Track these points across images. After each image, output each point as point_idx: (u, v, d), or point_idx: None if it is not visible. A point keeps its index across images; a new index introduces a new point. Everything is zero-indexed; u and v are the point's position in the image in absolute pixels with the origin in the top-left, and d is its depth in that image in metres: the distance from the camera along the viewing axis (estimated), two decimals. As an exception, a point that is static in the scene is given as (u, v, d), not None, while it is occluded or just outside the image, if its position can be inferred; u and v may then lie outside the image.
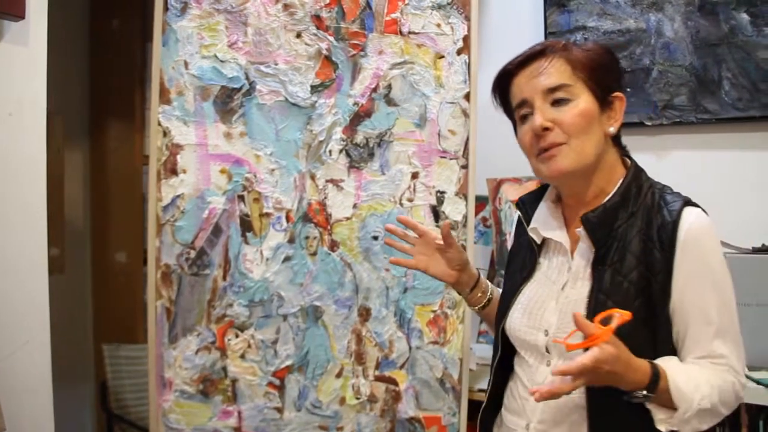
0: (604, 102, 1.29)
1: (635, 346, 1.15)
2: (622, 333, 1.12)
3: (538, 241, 1.37)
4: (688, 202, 1.26)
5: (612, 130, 1.29)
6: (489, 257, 2.63)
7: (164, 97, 1.99)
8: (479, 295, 1.53)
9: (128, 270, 3.37)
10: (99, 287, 3.46)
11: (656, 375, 1.15)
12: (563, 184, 1.35)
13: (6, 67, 1.84)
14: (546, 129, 1.26)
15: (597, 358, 1.06)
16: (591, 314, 1.18)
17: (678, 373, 1.17)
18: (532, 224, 1.38)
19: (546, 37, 2.58)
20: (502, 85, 1.37)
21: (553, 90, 1.27)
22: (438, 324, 2.13)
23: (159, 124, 1.99)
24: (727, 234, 2.15)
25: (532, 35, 2.64)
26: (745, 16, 2.26)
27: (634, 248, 1.23)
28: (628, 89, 2.39)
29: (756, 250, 2.10)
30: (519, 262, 1.43)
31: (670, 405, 1.16)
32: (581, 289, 1.27)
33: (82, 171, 3.44)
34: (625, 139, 1.36)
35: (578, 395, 1.21)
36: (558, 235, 1.34)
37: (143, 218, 2.66)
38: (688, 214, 1.23)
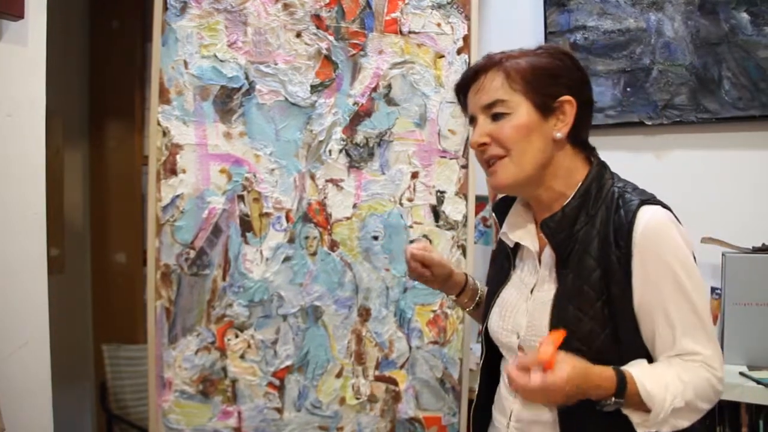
0: (546, 109, 1.27)
1: (599, 348, 1.19)
2: (583, 335, 1.18)
3: (511, 245, 1.39)
4: (645, 201, 1.23)
5: (558, 135, 1.27)
6: (489, 257, 2.62)
7: (164, 97, 1.99)
8: (466, 300, 1.59)
9: (128, 270, 3.37)
10: (99, 287, 3.45)
11: (622, 381, 1.15)
12: (516, 193, 1.39)
13: (5, 67, 1.84)
14: (483, 144, 1.29)
15: (545, 384, 1.08)
16: (554, 318, 1.23)
17: (645, 376, 1.16)
18: (503, 229, 1.40)
19: (546, 36, 2.57)
20: (461, 101, 1.39)
21: (489, 106, 1.29)
22: (438, 324, 2.13)
23: (158, 124, 1.99)
24: (727, 233, 2.15)
25: (532, 35, 2.63)
26: (745, 16, 2.26)
27: (593, 251, 1.23)
28: (628, 88, 2.39)
29: (756, 250, 2.10)
30: (498, 265, 1.46)
31: (644, 408, 1.15)
32: (548, 292, 1.28)
33: (81, 171, 3.44)
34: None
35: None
36: (527, 238, 1.36)
37: (143, 218, 2.67)
38: (643, 214, 1.21)
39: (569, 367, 1.10)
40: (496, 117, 1.28)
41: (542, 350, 1.10)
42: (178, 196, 2.00)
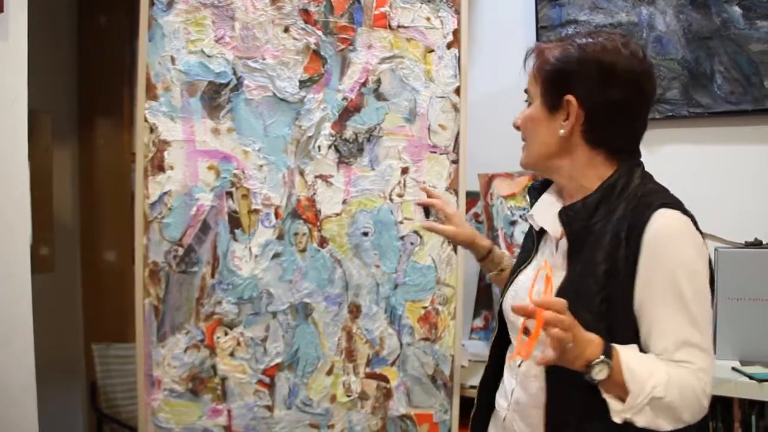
0: (554, 105, 1.30)
1: None
2: (581, 324, 1.16)
3: (536, 228, 1.41)
4: (665, 204, 1.21)
5: (561, 132, 1.29)
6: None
7: (151, 93, 1.97)
8: (488, 266, 1.72)
9: (118, 268, 3.35)
10: (89, 286, 3.43)
11: (608, 347, 1.14)
12: (539, 174, 1.46)
13: (-16, 63, 1.83)
14: (516, 127, 1.39)
15: (566, 304, 1.09)
16: None
17: (632, 355, 1.16)
18: (531, 211, 1.42)
19: (537, 31, 2.56)
20: None
21: (525, 92, 1.38)
22: (429, 320, 2.12)
23: (146, 121, 1.97)
24: (719, 228, 2.14)
25: (523, 29, 2.63)
26: (737, 9, 2.25)
27: (604, 245, 1.22)
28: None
29: (749, 245, 2.09)
30: (524, 246, 1.49)
31: (623, 392, 1.14)
32: (558, 279, 1.28)
33: (70, 169, 3.41)
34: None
35: (540, 385, 1.27)
36: (549, 223, 1.36)
37: (133, 216, 2.64)
38: (659, 217, 1.19)
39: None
40: (528, 103, 1.36)
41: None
42: (165, 193, 1.98)
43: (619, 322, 1.21)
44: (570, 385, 1.18)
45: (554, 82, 1.29)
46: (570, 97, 1.27)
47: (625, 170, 1.28)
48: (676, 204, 1.23)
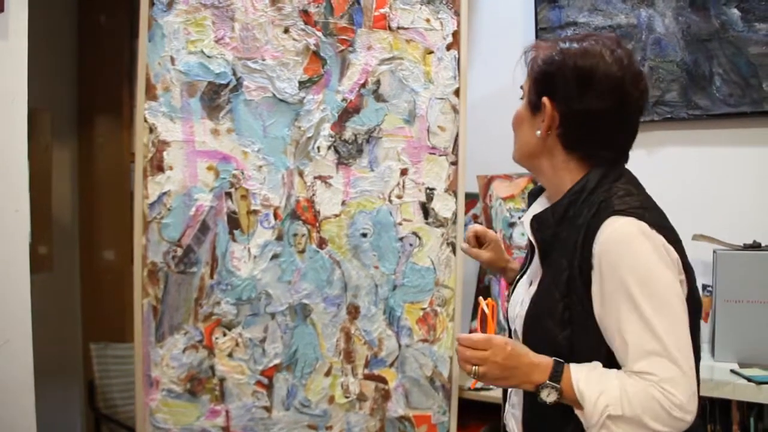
0: (535, 106, 1.30)
1: (556, 350, 1.20)
2: (543, 333, 1.22)
3: (528, 235, 1.39)
4: (619, 211, 1.18)
5: (537, 132, 1.29)
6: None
7: (150, 93, 1.97)
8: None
9: (117, 268, 3.34)
10: (87, 285, 3.42)
11: (559, 367, 1.16)
12: (531, 172, 1.45)
13: (-16, 62, 1.82)
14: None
15: (489, 338, 1.19)
16: (528, 313, 1.28)
17: (583, 374, 1.15)
18: (522, 218, 1.44)
19: (537, 33, 2.56)
20: None
21: (521, 88, 1.38)
22: (428, 322, 2.12)
23: (145, 121, 1.97)
24: (718, 230, 2.14)
25: (523, 31, 2.63)
26: (735, 12, 2.25)
27: (567, 253, 1.21)
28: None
29: (747, 247, 2.09)
30: (525, 253, 1.50)
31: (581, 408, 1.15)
32: (536, 287, 1.30)
33: (70, 168, 3.41)
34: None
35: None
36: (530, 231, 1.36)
37: (132, 216, 2.65)
38: (608, 225, 1.17)
39: (507, 340, 1.21)
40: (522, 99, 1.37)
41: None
42: (165, 193, 1.98)
43: (581, 331, 1.20)
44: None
45: (536, 83, 1.30)
46: (545, 100, 1.27)
47: (594, 174, 1.25)
48: (632, 209, 1.18)
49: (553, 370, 1.16)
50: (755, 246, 2.09)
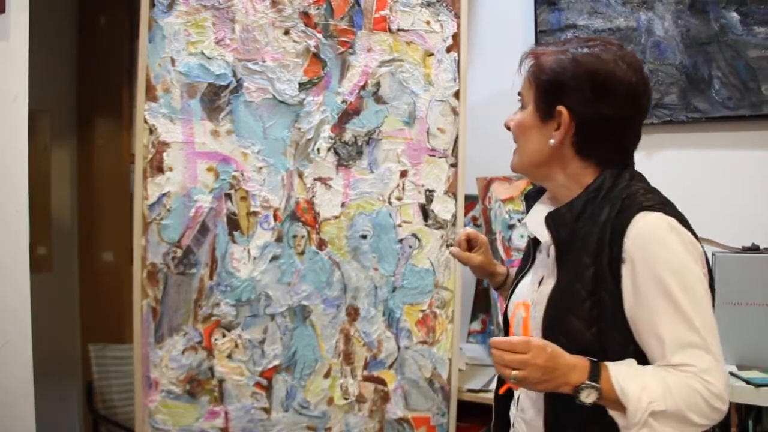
0: (546, 114, 1.27)
1: (583, 348, 1.17)
2: (569, 332, 1.18)
3: (531, 236, 1.39)
4: (647, 207, 1.19)
5: (551, 142, 1.27)
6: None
7: (150, 95, 1.97)
8: (504, 295, 1.60)
9: (116, 269, 3.34)
10: (86, 286, 3.42)
11: (596, 369, 1.14)
12: (531, 179, 1.44)
13: (-14, 63, 1.83)
14: (507, 128, 1.36)
15: (529, 341, 1.13)
16: (547, 312, 1.24)
17: (623, 373, 1.14)
18: (525, 218, 1.40)
19: (536, 35, 2.57)
20: None
21: (519, 94, 1.35)
22: (427, 323, 2.12)
23: (145, 122, 1.97)
24: (717, 233, 2.15)
25: (523, 34, 2.63)
26: (734, 15, 2.26)
27: (590, 249, 1.21)
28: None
29: (746, 250, 2.09)
30: (524, 253, 1.48)
31: (622, 408, 1.13)
32: (549, 285, 1.27)
33: (69, 169, 3.41)
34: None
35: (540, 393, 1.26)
36: (540, 230, 1.34)
37: (131, 217, 2.66)
38: (638, 220, 1.17)
39: (545, 342, 1.15)
40: (521, 107, 1.34)
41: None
42: (164, 194, 1.98)
43: (610, 328, 1.19)
44: (568, 395, 1.17)
45: (547, 91, 1.27)
46: (562, 109, 1.25)
47: (609, 174, 1.26)
48: (659, 205, 1.20)
49: (591, 369, 1.14)
50: (754, 249, 2.10)
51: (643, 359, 1.19)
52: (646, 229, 1.17)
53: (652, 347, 1.17)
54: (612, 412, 1.15)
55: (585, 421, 1.18)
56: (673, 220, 1.18)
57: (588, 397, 1.13)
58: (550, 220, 1.27)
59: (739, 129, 2.29)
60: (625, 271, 1.17)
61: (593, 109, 1.24)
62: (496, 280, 1.62)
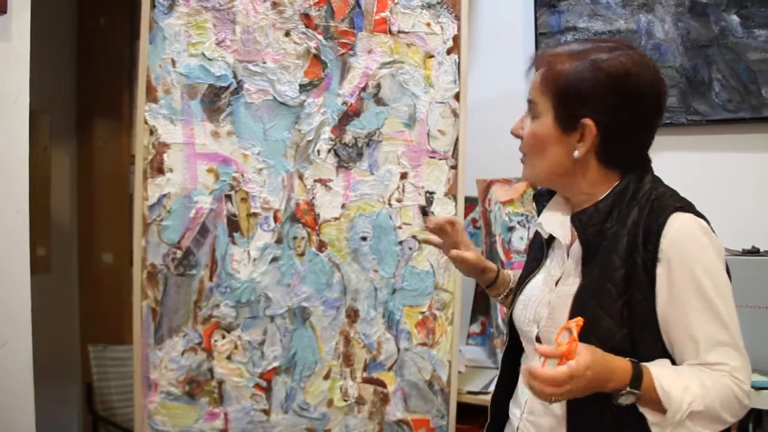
0: (568, 126, 1.23)
1: (614, 347, 1.16)
2: (600, 333, 1.16)
3: (545, 235, 1.38)
4: (680, 208, 1.20)
5: (576, 154, 1.24)
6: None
7: (151, 96, 1.97)
8: (496, 292, 1.59)
9: (115, 270, 3.33)
10: (86, 287, 3.42)
11: (638, 372, 1.13)
12: (548, 187, 1.39)
13: (-13, 63, 1.83)
14: (517, 136, 1.32)
15: (571, 373, 1.07)
16: (574, 312, 1.21)
17: (664, 374, 1.14)
18: (539, 218, 1.39)
19: (536, 38, 2.57)
20: None
21: (529, 102, 1.29)
22: (427, 325, 2.12)
23: (145, 123, 1.97)
24: (717, 236, 2.14)
25: (523, 36, 2.63)
26: (735, 18, 2.26)
27: (620, 250, 1.21)
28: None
29: (746, 252, 2.09)
30: (532, 253, 1.46)
31: (659, 408, 1.13)
32: (571, 286, 1.26)
33: (69, 170, 3.40)
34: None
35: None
36: (559, 230, 1.33)
37: (131, 218, 2.66)
38: (675, 220, 1.18)
39: (589, 354, 1.09)
40: (532, 114, 1.28)
41: (560, 340, 1.10)
42: (165, 195, 1.98)
43: (642, 327, 1.19)
44: (593, 399, 1.15)
45: (569, 102, 1.22)
46: (587, 121, 1.21)
47: (633, 177, 1.26)
48: (689, 207, 1.22)
49: (633, 375, 1.12)
50: (754, 251, 2.10)
51: (669, 357, 1.20)
52: (683, 230, 1.18)
53: (685, 345, 1.18)
54: (647, 411, 1.15)
55: (608, 425, 1.18)
56: (703, 222, 1.21)
57: (626, 399, 1.13)
58: (577, 220, 1.26)
59: (740, 132, 2.29)
60: (660, 270, 1.17)
61: (618, 117, 1.21)
62: (487, 276, 1.57)
